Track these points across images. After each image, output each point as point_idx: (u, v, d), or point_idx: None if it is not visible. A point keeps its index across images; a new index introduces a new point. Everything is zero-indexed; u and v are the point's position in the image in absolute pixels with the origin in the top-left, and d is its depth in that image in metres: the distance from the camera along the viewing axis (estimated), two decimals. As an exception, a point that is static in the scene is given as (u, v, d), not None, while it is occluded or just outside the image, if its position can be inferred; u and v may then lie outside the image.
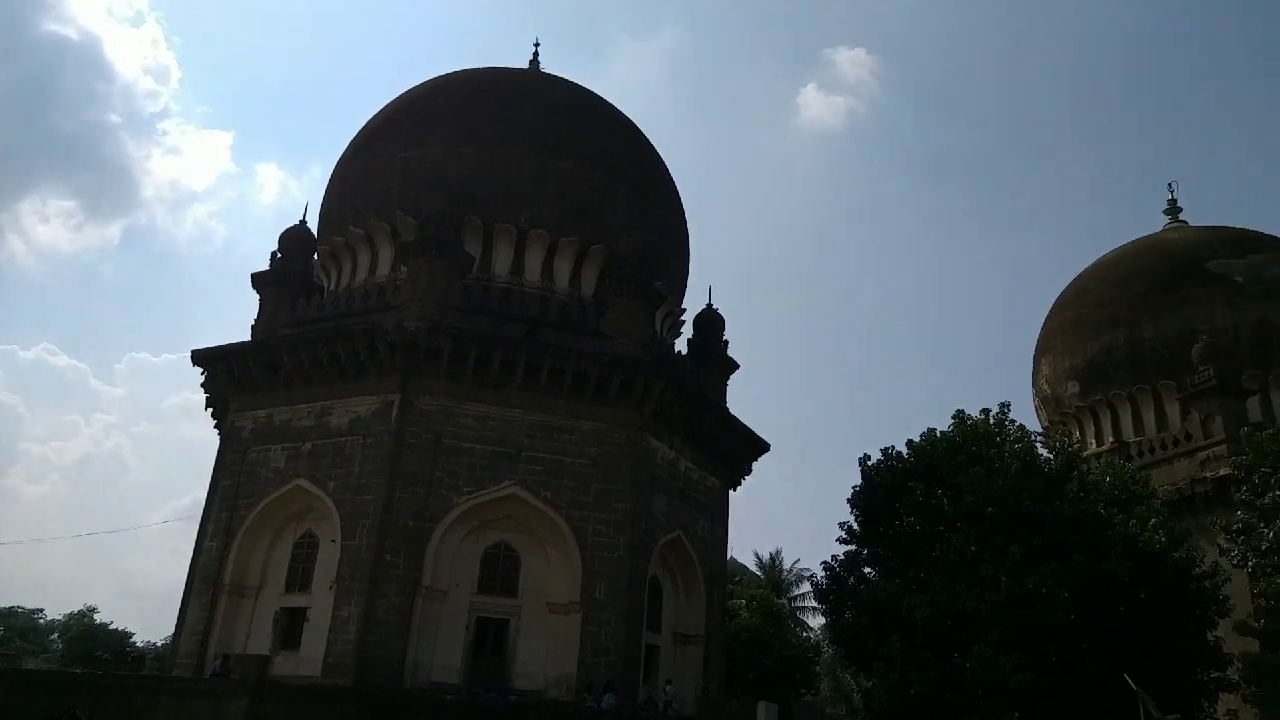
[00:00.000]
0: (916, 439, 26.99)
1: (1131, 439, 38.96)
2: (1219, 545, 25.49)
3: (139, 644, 71.59)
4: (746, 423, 32.08)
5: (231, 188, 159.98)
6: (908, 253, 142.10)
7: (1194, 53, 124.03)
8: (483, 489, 25.12)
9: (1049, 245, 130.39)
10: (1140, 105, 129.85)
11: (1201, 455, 35.15)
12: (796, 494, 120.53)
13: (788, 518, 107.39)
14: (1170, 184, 47.56)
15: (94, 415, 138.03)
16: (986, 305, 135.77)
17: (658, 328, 31.33)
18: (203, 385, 29.96)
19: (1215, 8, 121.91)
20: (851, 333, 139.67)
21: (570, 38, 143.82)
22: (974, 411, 27.24)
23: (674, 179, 35.12)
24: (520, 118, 31.13)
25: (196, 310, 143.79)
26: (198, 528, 27.47)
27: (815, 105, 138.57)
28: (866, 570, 26.73)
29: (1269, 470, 21.05)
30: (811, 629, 52.48)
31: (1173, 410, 38.25)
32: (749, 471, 33.58)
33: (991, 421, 26.70)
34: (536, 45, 37.07)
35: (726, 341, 33.91)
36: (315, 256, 32.03)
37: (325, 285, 31.57)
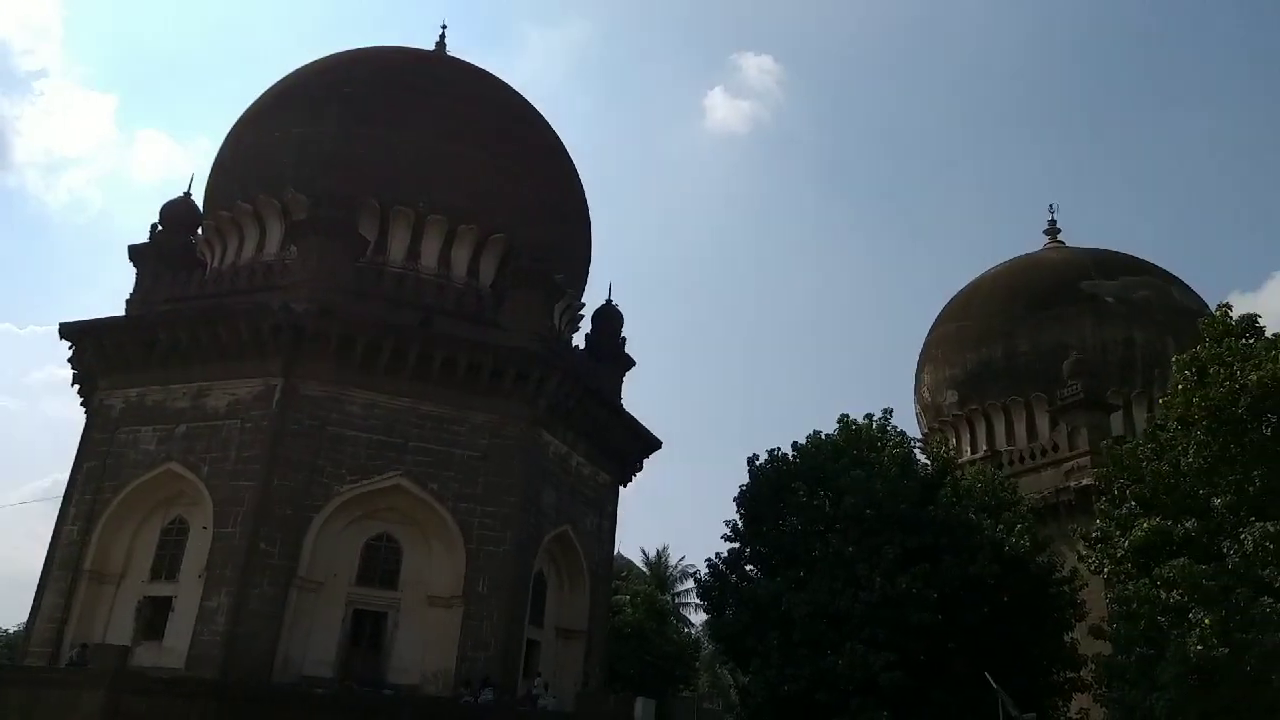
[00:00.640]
0: (803, 441, 27.66)
1: (1004, 448, 40.80)
2: (1079, 552, 26.88)
3: (-11, 630, 67.44)
4: (640, 419, 32.27)
5: (112, 154, 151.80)
6: (802, 259, 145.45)
7: (1081, 78, 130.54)
8: (366, 479, 24.52)
9: (936, 258, 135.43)
10: (1026, 127, 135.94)
11: (1067, 465, 37.07)
12: (686, 492, 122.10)
13: (677, 515, 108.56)
14: (1051, 205, 49.87)
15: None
16: (875, 314, 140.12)
17: (556, 321, 31.17)
18: (70, 361, 28.39)
19: (1102, 37, 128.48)
20: (745, 335, 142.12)
21: (480, 22, 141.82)
22: (859, 416, 28.09)
23: (578, 172, 35.02)
24: (423, 100, 30.45)
25: (68, 282, 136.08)
26: (58, 510, 26.08)
27: (721, 108, 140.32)
28: (749, 568, 27.26)
29: (1126, 482, 22.27)
30: (694, 625, 53.23)
31: (1043, 422, 40.23)
32: (640, 468, 33.75)
33: (874, 426, 27.56)
34: (444, 28, 36.35)
35: (625, 338, 33.98)
36: (199, 231, 30.73)
37: (208, 262, 30.31)
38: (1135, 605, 19.17)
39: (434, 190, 28.98)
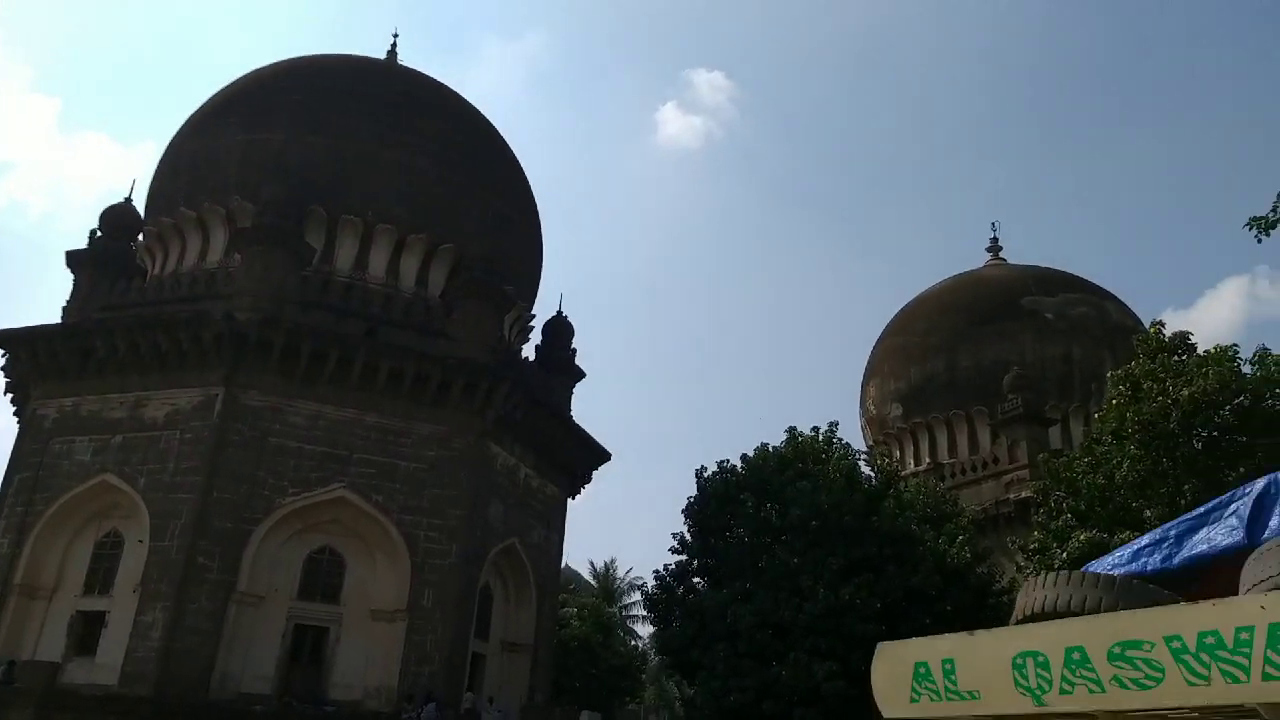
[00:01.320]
0: (751, 454, 27.85)
1: (947, 460, 41.52)
2: (1017, 563, 27.44)
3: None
4: (590, 431, 32.26)
5: (53, 158, 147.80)
6: (753, 273, 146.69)
7: (1028, 97, 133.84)
8: (309, 491, 24.16)
9: (885, 273, 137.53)
10: (974, 145, 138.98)
11: (1006, 478, 37.85)
12: (635, 504, 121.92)
13: (626, 527, 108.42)
14: (993, 223, 51.05)
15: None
16: (823, 328, 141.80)
17: (506, 333, 31.05)
18: (2, 369, 27.61)
19: (1049, 58, 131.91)
20: (695, 348, 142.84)
21: (433, 32, 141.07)
22: (807, 429, 28.38)
23: (530, 184, 34.99)
24: (373, 109, 30.22)
25: (7, 288, 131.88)
26: (-14, 523, 25.26)
27: (673, 123, 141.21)
28: (696, 580, 27.31)
29: (1063, 495, 22.79)
30: (640, 637, 53.19)
31: (984, 435, 41.03)
32: (589, 480, 33.73)
33: (820, 439, 27.85)
34: (395, 37, 36.23)
35: (575, 350, 33.99)
36: (140, 237, 30.08)
37: (149, 269, 29.69)
38: (1071, 615, 19.62)
39: (383, 199, 28.74)
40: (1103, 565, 5.10)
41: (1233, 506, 4.45)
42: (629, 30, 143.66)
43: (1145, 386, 20.29)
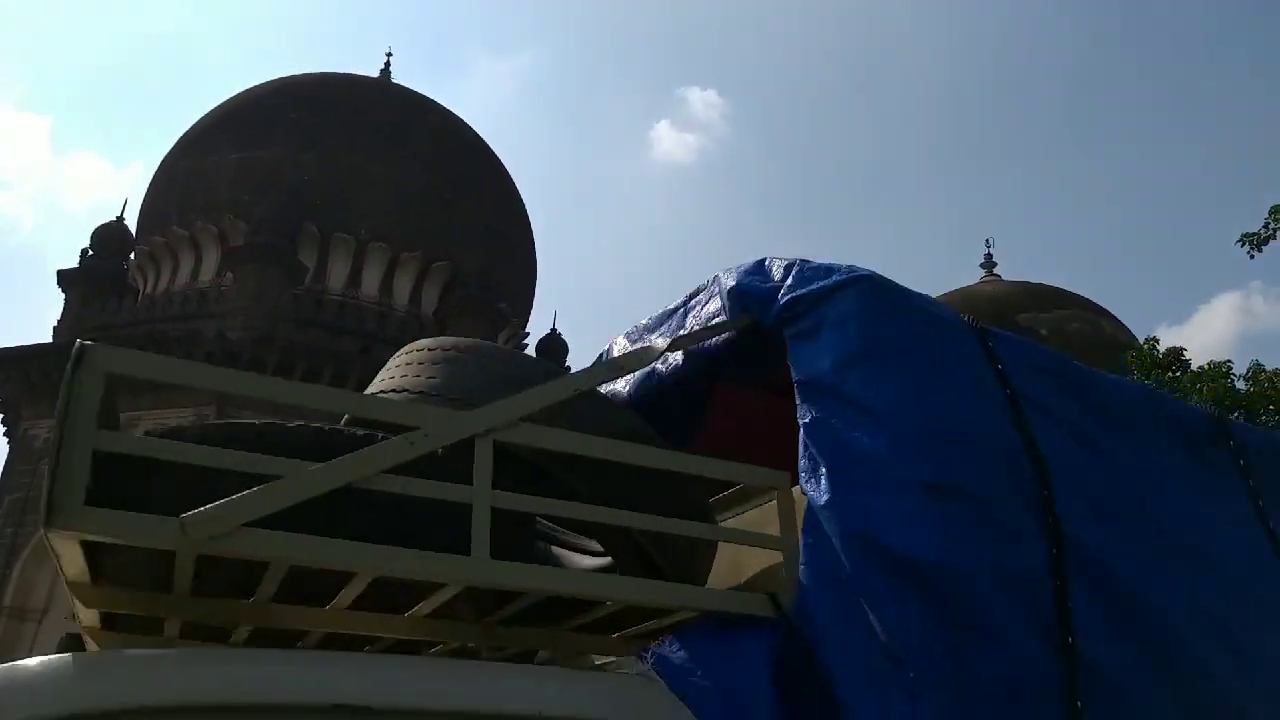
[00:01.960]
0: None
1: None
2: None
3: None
4: (583, 449, 32.06)
5: (45, 176, 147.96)
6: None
7: (1020, 110, 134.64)
8: (303, 510, 24.00)
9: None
10: (968, 161, 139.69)
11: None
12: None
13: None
14: (987, 239, 51.03)
15: None
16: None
17: (499, 350, 30.98)
18: (-7, 388, 27.46)
19: (1034, 72, 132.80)
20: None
21: (428, 49, 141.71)
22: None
23: (524, 201, 35.02)
24: (366, 127, 30.22)
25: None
26: (-24, 545, 25.10)
27: (668, 140, 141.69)
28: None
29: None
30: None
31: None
32: (583, 498, 33.55)
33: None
34: (389, 54, 36.31)
35: (569, 368, 33.81)
36: (132, 256, 30.04)
37: (141, 288, 29.61)
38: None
39: (376, 217, 28.72)
40: None
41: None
42: (622, 48, 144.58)
43: (1140, 402, 20.30)
